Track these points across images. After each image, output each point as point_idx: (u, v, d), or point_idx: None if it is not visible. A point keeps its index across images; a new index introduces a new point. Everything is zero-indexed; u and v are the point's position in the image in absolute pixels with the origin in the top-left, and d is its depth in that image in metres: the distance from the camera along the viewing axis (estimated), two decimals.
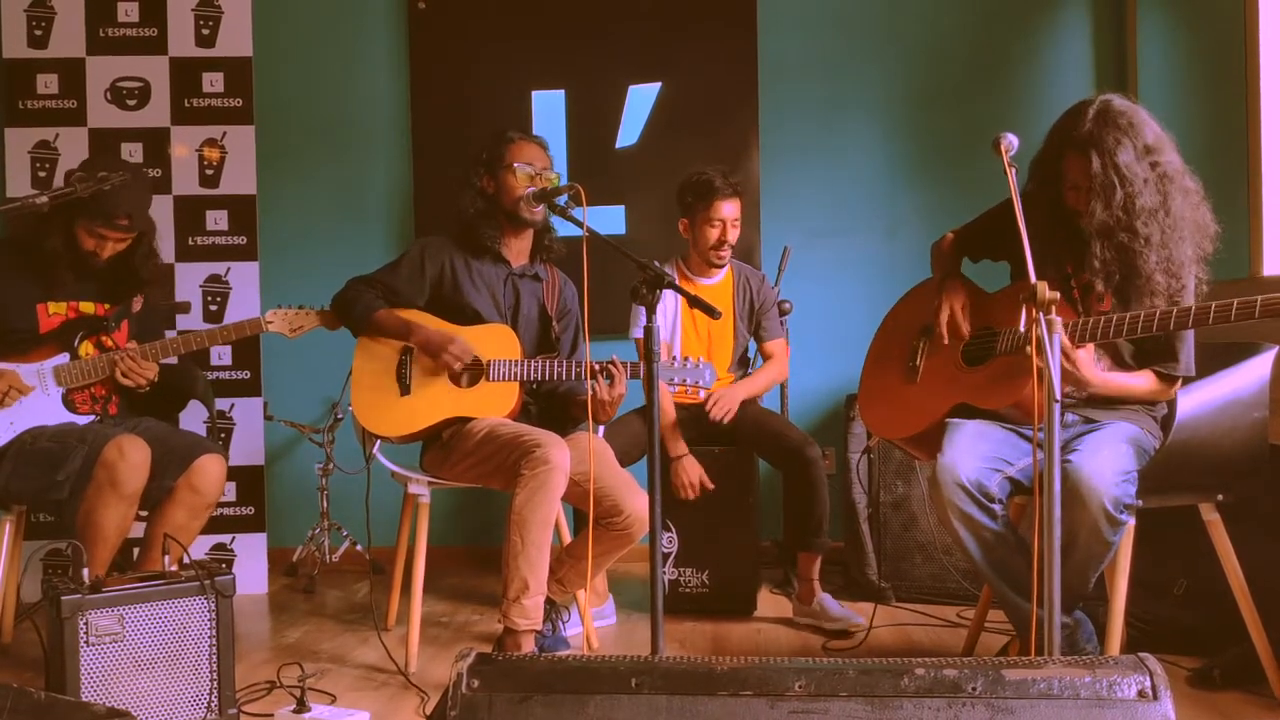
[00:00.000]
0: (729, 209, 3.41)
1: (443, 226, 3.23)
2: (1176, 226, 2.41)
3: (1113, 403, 2.58)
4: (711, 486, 3.33)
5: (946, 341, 2.69)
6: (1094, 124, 2.40)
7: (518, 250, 3.12)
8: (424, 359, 2.96)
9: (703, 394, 3.11)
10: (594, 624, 3.19)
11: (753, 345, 3.65)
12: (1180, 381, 2.55)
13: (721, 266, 3.49)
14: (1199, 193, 2.46)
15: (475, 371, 2.93)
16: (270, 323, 3.07)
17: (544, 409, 3.13)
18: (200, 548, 3.68)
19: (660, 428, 2.74)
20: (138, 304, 3.11)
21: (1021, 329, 2.50)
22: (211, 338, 3.06)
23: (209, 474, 2.88)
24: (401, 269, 3.05)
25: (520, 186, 2.99)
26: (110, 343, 3.03)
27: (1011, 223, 2.65)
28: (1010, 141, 2.27)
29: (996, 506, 2.46)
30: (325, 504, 4.00)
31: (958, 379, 2.67)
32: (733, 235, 3.43)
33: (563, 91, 4.23)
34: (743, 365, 3.61)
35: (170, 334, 3.67)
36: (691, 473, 3.32)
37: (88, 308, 3.03)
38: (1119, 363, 2.58)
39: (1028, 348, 2.42)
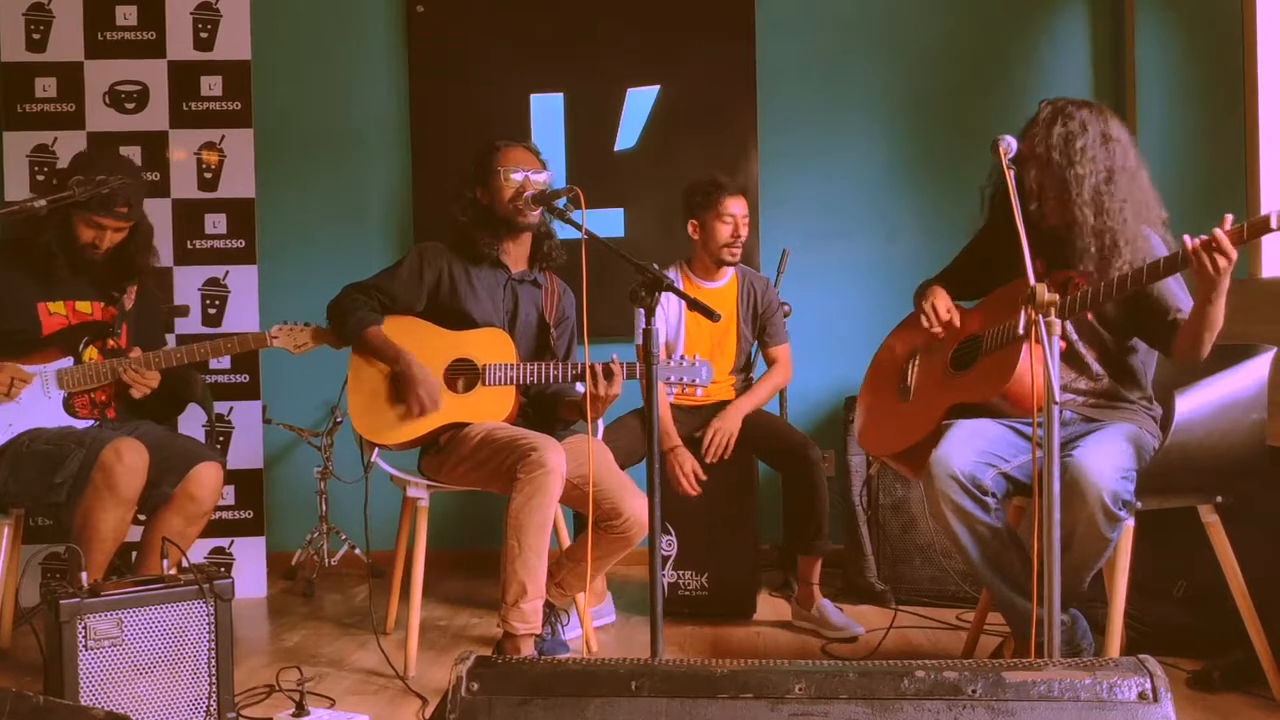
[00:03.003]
0: (738, 206, 3.42)
1: (442, 230, 3.22)
2: (1129, 200, 2.46)
3: (1114, 403, 2.59)
4: (705, 477, 3.32)
5: (941, 333, 2.69)
6: (1029, 140, 2.49)
7: (516, 256, 3.11)
8: None
9: (699, 393, 3.10)
10: (593, 623, 3.19)
11: (755, 349, 3.65)
12: None
13: (733, 264, 3.49)
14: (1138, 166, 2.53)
15: (471, 376, 2.93)
16: (275, 338, 3.05)
17: (534, 411, 3.12)
18: (199, 551, 3.67)
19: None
20: (129, 300, 3.10)
21: (1020, 331, 2.50)
22: (215, 349, 3.04)
23: (206, 482, 2.88)
24: (399, 275, 3.03)
25: (511, 191, 2.99)
26: (114, 344, 3.02)
27: (986, 249, 2.67)
28: (1009, 144, 2.28)
29: (990, 500, 2.46)
30: (324, 507, 4.00)
31: (949, 384, 2.68)
32: (743, 233, 3.44)
33: (561, 95, 4.22)
34: (746, 370, 3.61)
35: (170, 338, 3.67)
36: (685, 464, 3.30)
37: (84, 307, 3.03)
38: (1104, 353, 2.58)
39: (1019, 334, 2.44)
